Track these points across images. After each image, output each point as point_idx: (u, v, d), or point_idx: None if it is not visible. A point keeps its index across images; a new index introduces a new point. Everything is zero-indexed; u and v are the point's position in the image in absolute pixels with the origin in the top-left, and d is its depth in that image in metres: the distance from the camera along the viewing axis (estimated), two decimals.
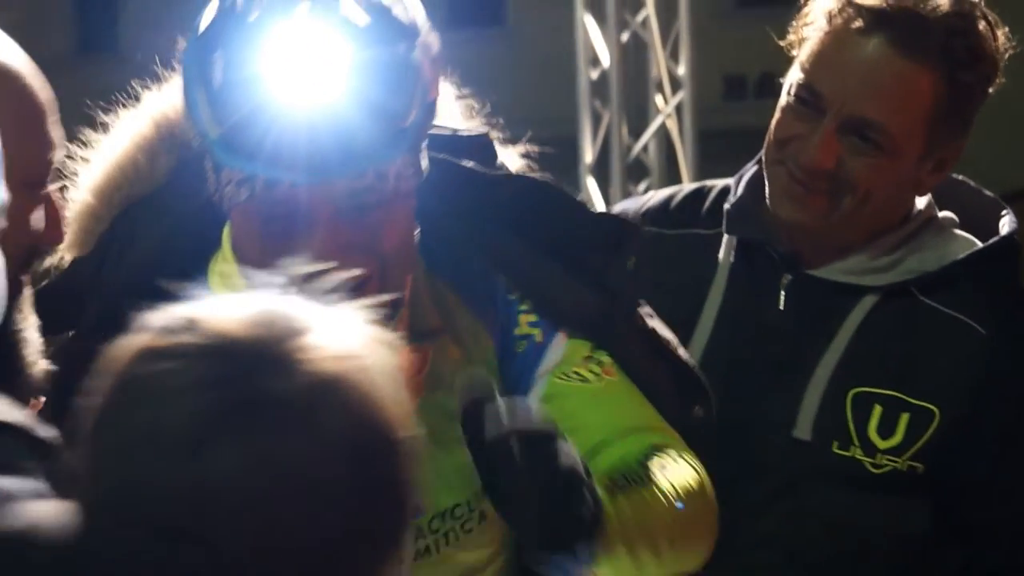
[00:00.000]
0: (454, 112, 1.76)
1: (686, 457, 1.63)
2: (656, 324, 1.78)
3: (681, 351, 1.81)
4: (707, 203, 2.19)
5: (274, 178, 1.40)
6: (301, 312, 0.95)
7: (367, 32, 1.38)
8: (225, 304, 0.96)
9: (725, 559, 1.81)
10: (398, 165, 1.45)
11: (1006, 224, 2.10)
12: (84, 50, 17.30)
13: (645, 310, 1.76)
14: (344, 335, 0.97)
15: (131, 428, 0.92)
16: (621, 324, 1.73)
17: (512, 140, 1.87)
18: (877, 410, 2.02)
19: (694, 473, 1.61)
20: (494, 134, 1.79)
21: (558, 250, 1.69)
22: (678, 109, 7.17)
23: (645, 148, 7.20)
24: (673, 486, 1.56)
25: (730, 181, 2.23)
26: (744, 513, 2.00)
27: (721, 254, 2.14)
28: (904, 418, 2.01)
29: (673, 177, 6.93)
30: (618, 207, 2.52)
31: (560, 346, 1.65)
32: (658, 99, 7.12)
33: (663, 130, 7.19)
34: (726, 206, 2.13)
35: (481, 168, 1.69)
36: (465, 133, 1.73)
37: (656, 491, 1.54)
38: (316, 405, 0.90)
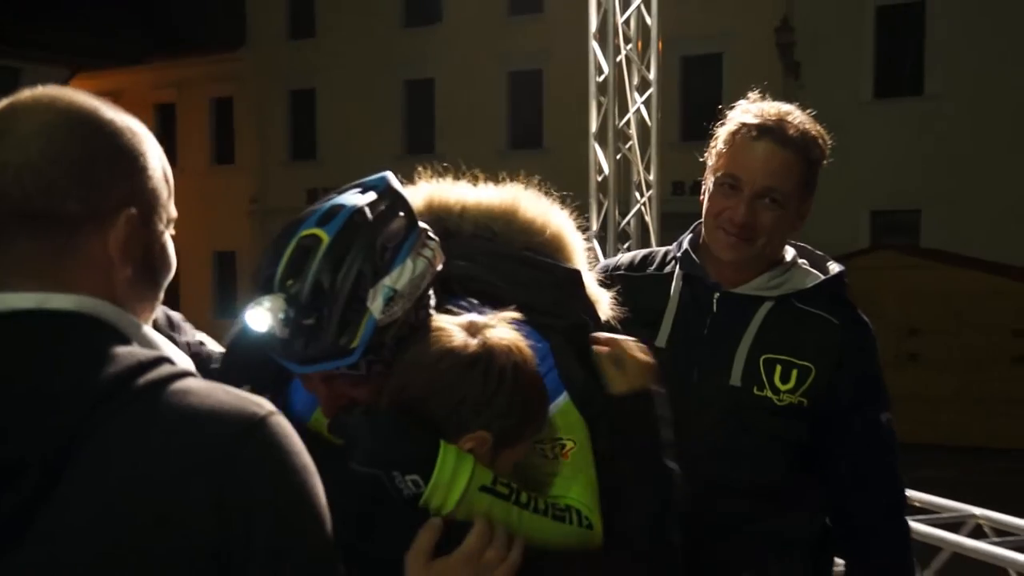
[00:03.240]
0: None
1: (574, 530, 1.71)
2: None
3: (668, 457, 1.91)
4: (657, 259, 2.61)
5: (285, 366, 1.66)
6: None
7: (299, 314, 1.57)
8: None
9: (691, 463, 2.03)
10: (362, 362, 1.63)
11: (835, 266, 2.53)
12: None
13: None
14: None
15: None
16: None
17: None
18: (778, 368, 2.41)
19: (562, 538, 1.70)
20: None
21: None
22: (649, 200, 8.43)
23: (628, 223, 8.51)
24: (529, 527, 1.67)
25: (669, 247, 2.64)
26: (703, 431, 2.30)
27: (672, 285, 2.51)
28: (794, 372, 2.40)
29: (645, 242, 8.10)
30: (603, 262, 2.69)
31: (554, 407, 1.79)
32: (636, 194, 8.49)
33: (639, 213, 8.49)
34: (677, 255, 2.55)
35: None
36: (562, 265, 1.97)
37: (513, 511, 1.66)
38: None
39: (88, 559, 1.08)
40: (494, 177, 2.07)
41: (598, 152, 8.56)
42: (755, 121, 2.37)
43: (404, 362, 1.72)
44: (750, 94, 2.49)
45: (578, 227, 2.09)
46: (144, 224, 1.26)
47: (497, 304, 1.86)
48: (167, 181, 1.32)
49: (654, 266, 2.58)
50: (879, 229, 20.65)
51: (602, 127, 8.47)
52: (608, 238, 8.41)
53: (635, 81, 8.50)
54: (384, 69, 26.09)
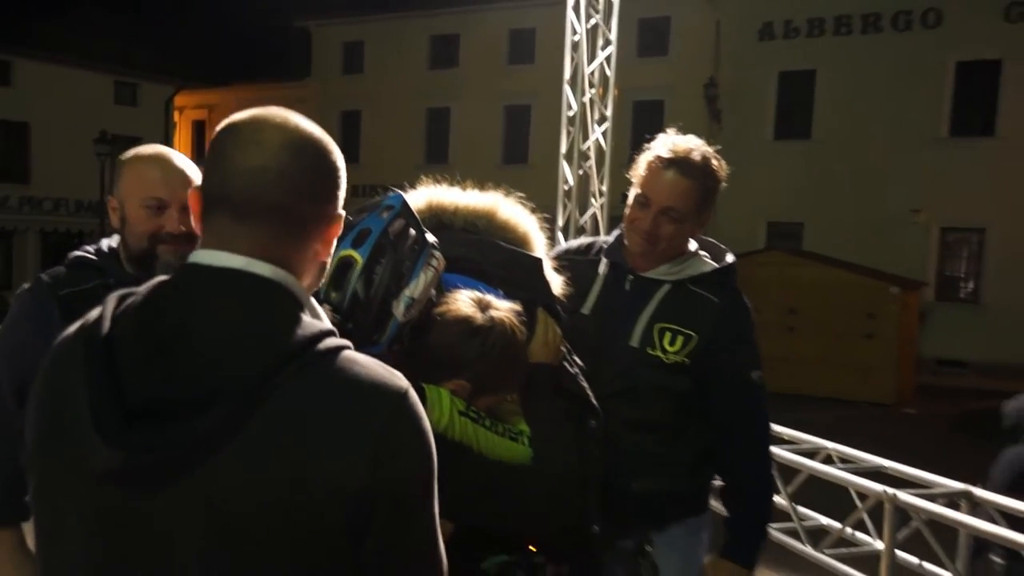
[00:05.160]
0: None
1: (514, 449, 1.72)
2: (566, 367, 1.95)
3: (583, 383, 1.96)
4: (595, 247, 2.54)
5: None
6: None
7: None
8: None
9: (601, 402, 2.01)
10: (386, 349, 1.62)
11: (730, 257, 2.44)
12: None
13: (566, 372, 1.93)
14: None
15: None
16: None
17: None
18: (668, 334, 2.35)
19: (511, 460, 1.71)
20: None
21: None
22: (601, 206, 8.53)
23: (585, 222, 8.60)
24: (487, 443, 1.68)
25: (604, 239, 2.57)
26: (611, 379, 2.26)
27: (600, 268, 2.45)
28: (680, 338, 2.34)
29: (596, 236, 7.94)
30: (559, 247, 2.58)
31: None
32: (592, 200, 8.59)
33: (594, 215, 8.59)
34: (604, 246, 2.51)
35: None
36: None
37: (481, 431, 1.68)
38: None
39: (261, 487, 1.02)
40: (492, 185, 2.06)
41: (566, 168, 8.68)
42: (667, 155, 2.32)
43: (432, 318, 1.75)
44: (669, 129, 2.44)
45: (541, 227, 2.07)
46: (339, 224, 1.22)
47: (481, 278, 1.88)
48: None
49: (592, 252, 2.53)
50: (772, 235, 20.81)
51: (570, 150, 8.56)
52: (570, 232, 8.49)
53: (596, 116, 8.57)
54: (413, 99, 26.19)
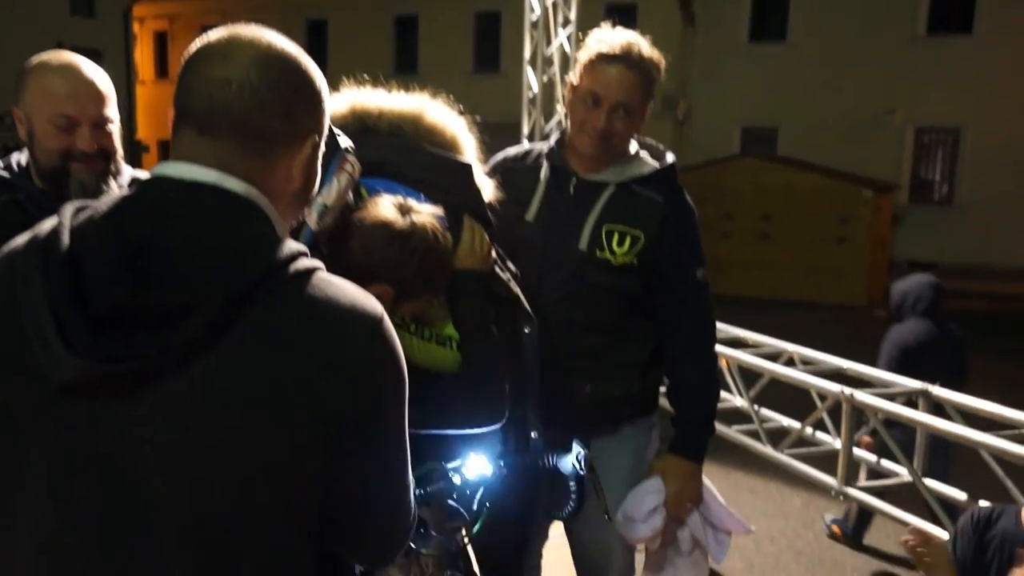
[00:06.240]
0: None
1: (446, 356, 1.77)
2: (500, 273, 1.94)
3: (516, 289, 1.97)
4: (533, 153, 2.50)
5: None
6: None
7: None
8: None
9: (550, 306, 2.18)
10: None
11: (670, 157, 2.44)
12: None
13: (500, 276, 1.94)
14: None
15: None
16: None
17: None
18: (615, 236, 2.33)
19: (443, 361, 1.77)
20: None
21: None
22: (565, 114, 8.67)
23: (552, 130, 8.30)
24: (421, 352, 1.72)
25: (543, 144, 2.52)
26: (559, 283, 2.33)
27: (542, 173, 2.42)
28: (628, 238, 2.33)
29: None
30: (496, 156, 2.48)
31: None
32: (558, 107, 8.31)
33: (560, 123, 8.13)
34: (545, 151, 2.46)
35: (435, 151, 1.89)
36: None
37: (405, 336, 1.72)
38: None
39: (235, 402, 1.00)
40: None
41: (530, 75, 8.49)
42: (609, 51, 2.27)
43: (352, 224, 1.72)
44: (602, 24, 2.38)
45: (470, 129, 2.00)
46: (316, 149, 1.18)
47: (404, 183, 1.84)
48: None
49: (531, 159, 2.49)
50: (747, 140, 20.77)
51: (534, 55, 8.39)
52: (535, 140, 8.24)
53: (560, 20, 8.34)
54: (380, 6, 25.74)
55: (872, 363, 4.68)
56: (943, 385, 4.11)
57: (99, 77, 1.99)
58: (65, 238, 1.02)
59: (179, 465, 1.00)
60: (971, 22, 18.90)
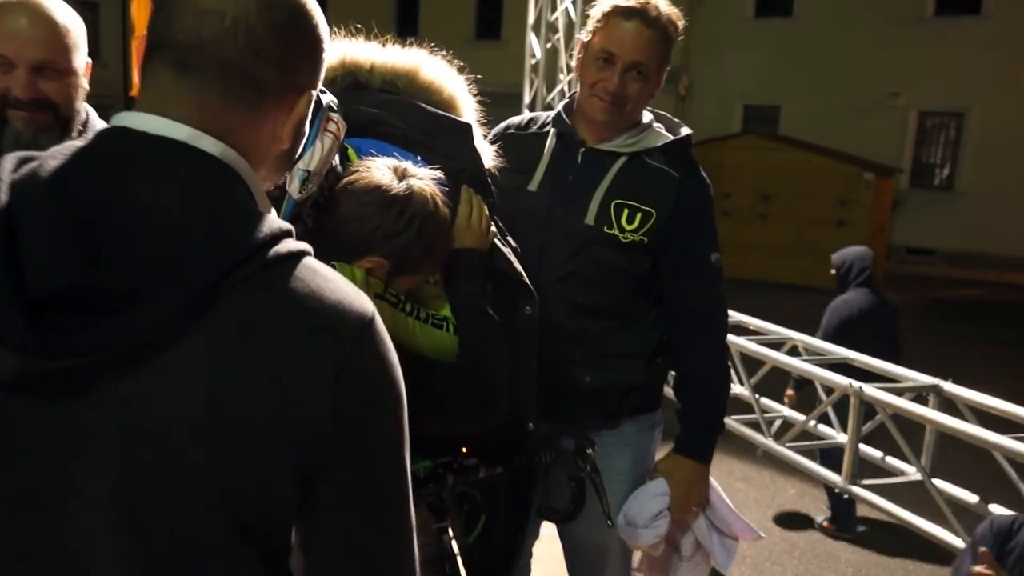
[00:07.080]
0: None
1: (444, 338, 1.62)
2: (499, 250, 1.84)
3: (516, 265, 1.86)
4: (539, 121, 2.36)
5: None
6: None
7: None
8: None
9: (552, 285, 2.12)
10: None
11: (685, 130, 2.30)
12: None
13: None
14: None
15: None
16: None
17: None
18: (625, 211, 2.19)
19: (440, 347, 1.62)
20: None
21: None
22: (570, 82, 7.98)
23: (554, 99, 8.18)
24: (420, 336, 1.59)
25: (550, 111, 2.39)
26: (562, 260, 2.21)
27: (548, 141, 2.29)
28: (639, 215, 2.19)
29: None
30: (501, 124, 2.39)
31: None
32: (561, 75, 8.16)
33: (563, 92, 8.09)
34: (552, 118, 2.33)
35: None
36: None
37: (399, 316, 1.57)
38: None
39: (193, 410, 0.84)
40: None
41: (533, 41, 8.36)
42: (625, 4, 2.13)
43: (342, 189, 1.58)
44: None
45: (469, 91, 1.87)
46: (308, 107, 1.01)
47: (398, 143, 1.71)
48: None
49: (536, 126, 2.34)
50: (749, 118, 20.52)
51: (537, 21, 8.24)
52: (537, 108, 8.15)
53: None
54: None
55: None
56: (873, 354, 4.35)
57: (60, 19, 1.80)
58: (3, 196, 0.84)
59: (120, 486, 0.85)
60: (979, 3, 18.64)
